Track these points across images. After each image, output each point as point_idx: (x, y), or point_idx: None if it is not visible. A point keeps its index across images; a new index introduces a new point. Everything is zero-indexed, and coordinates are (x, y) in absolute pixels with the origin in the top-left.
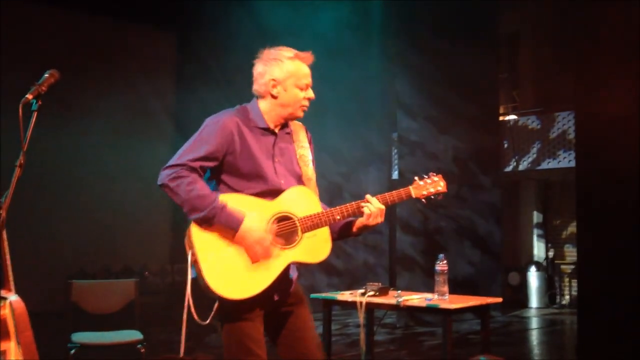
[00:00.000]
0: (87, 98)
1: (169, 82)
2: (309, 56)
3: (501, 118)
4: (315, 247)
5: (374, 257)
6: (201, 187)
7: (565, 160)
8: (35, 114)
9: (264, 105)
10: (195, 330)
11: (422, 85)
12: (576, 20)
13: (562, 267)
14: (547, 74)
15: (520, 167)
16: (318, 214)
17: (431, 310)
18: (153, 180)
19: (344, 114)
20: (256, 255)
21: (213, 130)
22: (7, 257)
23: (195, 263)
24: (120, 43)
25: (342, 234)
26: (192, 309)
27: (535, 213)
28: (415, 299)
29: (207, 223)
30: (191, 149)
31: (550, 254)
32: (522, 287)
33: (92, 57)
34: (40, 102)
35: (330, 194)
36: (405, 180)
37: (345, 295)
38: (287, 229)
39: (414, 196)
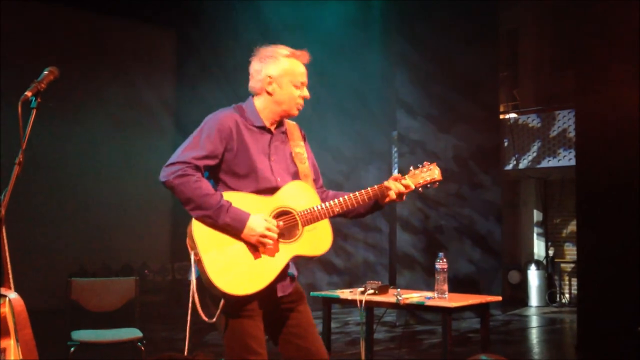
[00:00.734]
0: (87, 95)
1: (169, 80)
2: (305, 55)
3: (501, 116)
4: (316, 240)
5: (374, 256)
6: (206, 186)
7: (566, 158)
8: (34, 112)
9: (259, 102)
10: (195, 328)
11: (422, 84)
12: (577, 18)
13: (562, 265)
14: (548, 72)
15: (521, 166)
16: (317, 207)
17: (431, 308)
18: (153, 178)
19: (344, 112)
20: (262, 252)
21: (213, 129)
22: (7, 254)
23: (198, 262)
24: (120, 40)
25: (369, 212)
26: (199, 307)
27: (535, 211)
28: (415, 297)
29: (211, 222)
30: (193, 147)
31: (551, 252)
32: (522, 285)
33: (92, 55)
34: (39, 100)
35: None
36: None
37: (345, 294)
38: (287, 224)
39: (409, 184)
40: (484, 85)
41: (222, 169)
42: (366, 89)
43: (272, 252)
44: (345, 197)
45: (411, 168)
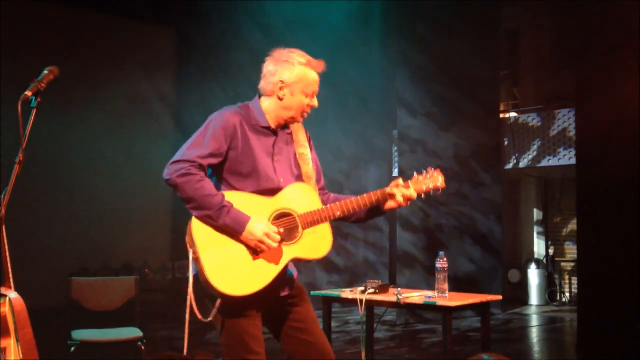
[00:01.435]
0: (88, 94)
1: (168, 78)
2: (321, 64)
3: (502, 115)
4: (315, 243)
5: (375, 255)
6: (209, 186)
7: (566, 157)
8: (34, 111)
9: (266, 103)
10: (195, 327)
11: (422, 82)
12: (577, 17)
13: (562, 264)
14: (548, 71)
15: (521, 164)
16: (318, 210)
17: (431, 307)
18: (153, 177)
19: (345, 110)
20: (261, 253)
21: (218, 127)
22: (7, 254)
23: (196, 260)
24: (120, 39)
25: (370, 217)
26: (195, 306)
27: (535, 210)
28: (416, 296)
29: (212, 222)
30: (197, 145)
31: (551, 251)
32: (522, 284)
33: (92, 53)
34: (39, 99)
35: (330, 191)
36: (406, 177)
37: (346, 293)
38: (287, 226)
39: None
40: (484, 84)
41: (226, 168)
42: (367, 88)
43: (271, 254)
44: (347, 200)
45: (415, 174)
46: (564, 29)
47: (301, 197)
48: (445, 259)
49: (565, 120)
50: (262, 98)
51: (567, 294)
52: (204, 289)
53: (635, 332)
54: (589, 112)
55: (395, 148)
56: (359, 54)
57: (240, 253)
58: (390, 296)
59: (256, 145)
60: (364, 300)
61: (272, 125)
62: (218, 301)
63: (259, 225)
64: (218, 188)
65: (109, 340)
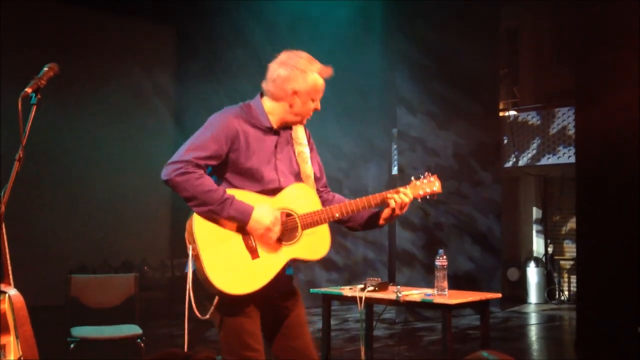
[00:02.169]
0: (88, 92)
1: (168, 77)
2: (329, 71)
3: (501, 114)
4: (314, 244)
5: (374, 253)
6: (209, 182)
7: (565, 156)
8: (34, 108)
9: (271, 105)
10: (194, 325)
11: (422, 81)
12: (577, 16)
13: (562, 262)
14: (548, 69)
15: (520, 163)
16: (318, 211)
17: (430, 305)
18: (153, 175)
19: (344, 109)
20: (267, 243)
21: (218, 128)
22: (6, 251)
23: (196, 257)
24: (120, 37)
25: (367, 225)
26: (193, 304)
27: (534, 209)
28: (415, 294)
29: (216, 216)
30: (196, 146)
31: (550, 249)
32: (521, 282)
33: (92, 51)
34: (39, 96)
35: (330, 190)
36: (405, 176)
37: (346, 291)
38: (287, 226)
39: (410, 196)
40: (484, 83)
41: (226, 168)
42: (366, 86)
43: (271, 253)
44: (346, 202)
45: (412, 178)
46: (564, 27)
47: (301, 198)
48: (445, 257)
49: (564, 119)
50: (265, 98)
51: (566, 293)
52: (202, 287)
53: (635, 331)
54: (588, 110)
55: (395, 146)
56: (359, 53)
57: (241, 252)
58: (390, 294)
59: (258, 146)
60: (363, 298)
61: (275, 126)
62: (216, 299)
63: (266, 212)
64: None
65: (108, 338)
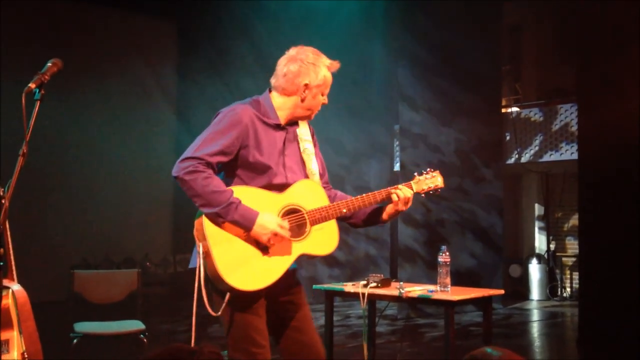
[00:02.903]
0: (89, 88)
1: (170, 72)
2: (337, 65)
3: (503, 110)
4: (323, 239)
5: (376, 249)
6: (217, 183)
7: (568, 152)
8: (38, 103)
9: (279, 100)
10: (198, 321)
11: (424, 77)
12: (579, 13)
13: (564, 259)
14: (550, 66)
15: (523, 160)
16: (325, 207)
17: (433, 301)
18: (155, 170)
19: (347, 105)
20: (271, 249)
21: (229, 123)
22: (10, 246)
23: (207, 255)
24: (121, 32)
25: (369, 221)
26: (206, 301)
27: (537, 205)
28: (418, 290)
29: (220, 219)
30: (208, 142)
31: (552, 246)
32: (523, 279)
33: (92, 47)
34: (43, 92)
35: (331, 186)
36: (407, 172)
37: (348, 287)
38: (295, 222)
39: (414, 190)
40: (486, 79)
41: (236, 164)
42: (368, 83)
43: (281, 249)
44: (353, 198)
45: (415, 174)
46: (566, 24)
47: (309, 194)
48: (447, 253)
49: (567, 115)
50: (274, 94)
51: (568, 289)
52: (211, 284)
53: (636, 327)
54: (591, 107)
55: (397, 143)
56: (362, 49)
57: (251, 248)
58: (392, 290)
59: (266, 142)
60: (366, 294)
61: (283, 122)
62: (227, 295)
63: (270, 218)
64: (228, 183)
65: (111, 333)
